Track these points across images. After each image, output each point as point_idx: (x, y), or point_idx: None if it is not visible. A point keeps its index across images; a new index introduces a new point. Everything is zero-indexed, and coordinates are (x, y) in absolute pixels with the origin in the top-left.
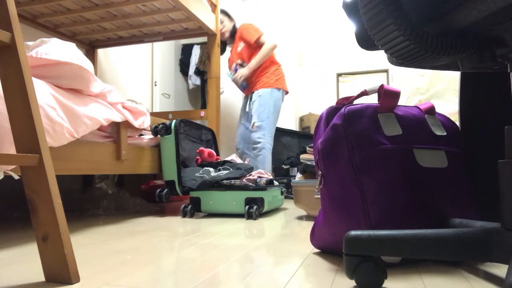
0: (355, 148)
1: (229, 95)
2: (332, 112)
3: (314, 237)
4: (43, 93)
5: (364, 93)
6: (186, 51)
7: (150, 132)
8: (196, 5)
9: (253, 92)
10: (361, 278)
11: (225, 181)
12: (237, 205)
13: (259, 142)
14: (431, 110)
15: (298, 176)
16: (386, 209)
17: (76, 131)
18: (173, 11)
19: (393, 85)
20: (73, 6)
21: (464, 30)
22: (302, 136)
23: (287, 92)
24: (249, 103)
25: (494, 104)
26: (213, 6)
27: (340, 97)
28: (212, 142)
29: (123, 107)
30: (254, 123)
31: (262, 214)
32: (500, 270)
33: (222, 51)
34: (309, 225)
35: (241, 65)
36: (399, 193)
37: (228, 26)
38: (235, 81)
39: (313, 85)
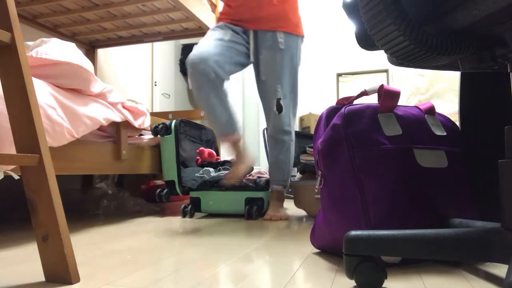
0: (355, 148)
1: (229, 95)
2: (332, 112)
3: (314, 237)
4: (43, 93)
5: (364, 93)
6: (186, 51)
7: (150, 132)
8: (196, 5)
9: (268, 32)
10: (361, 278)
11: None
12: (237, 205)
13: (289, 133)
14: (431, 110)
15: (298, 176)
16: (386, 209)
17: (76, 131)
18: (173, 11)
19: (393, 85)
20: (73, 6)
21: (464, 30)
22: (302, 136)
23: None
24: (253, 48)
25: (494, 104)
26: (213, 6)
27: (340, 97)
28: (212, 142)
29: (123, 107)
30: (279, 100)
31: (262, 214)
32: (500, 270)
33: None
34: (309, 225)
35: None
36: (399, 193)
37: None
38: None
39: (313, 85)
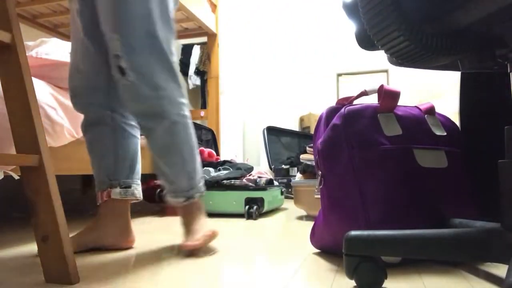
0: (355, 148)
1: (229, 95)
2: (332, 112)
3: (314, 237)
4: (43, 93)
5: (364, 93)
6: (186, 51)
7: None
8: (196, 5)
9: None
10: (361, 278)
11: (225, 181)
12: (237, 205)
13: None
14: (431, 110)
15: (298, 176)
16: (386, 209)
17: (76, 131)
18: None
19: (393, 85)
20: None
21: (464, 30)
22: (302, 136)
23: None
24: None
25: (494, 104)
26: (213, 6)
27: (340, 97)
28: (212, 142)
29: None
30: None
31: (262, 214)
32: (500, 270)
33: None
34: (309, 225)
35: None
36: (399, 193)
37: None
38: None
39: (313, 85)
